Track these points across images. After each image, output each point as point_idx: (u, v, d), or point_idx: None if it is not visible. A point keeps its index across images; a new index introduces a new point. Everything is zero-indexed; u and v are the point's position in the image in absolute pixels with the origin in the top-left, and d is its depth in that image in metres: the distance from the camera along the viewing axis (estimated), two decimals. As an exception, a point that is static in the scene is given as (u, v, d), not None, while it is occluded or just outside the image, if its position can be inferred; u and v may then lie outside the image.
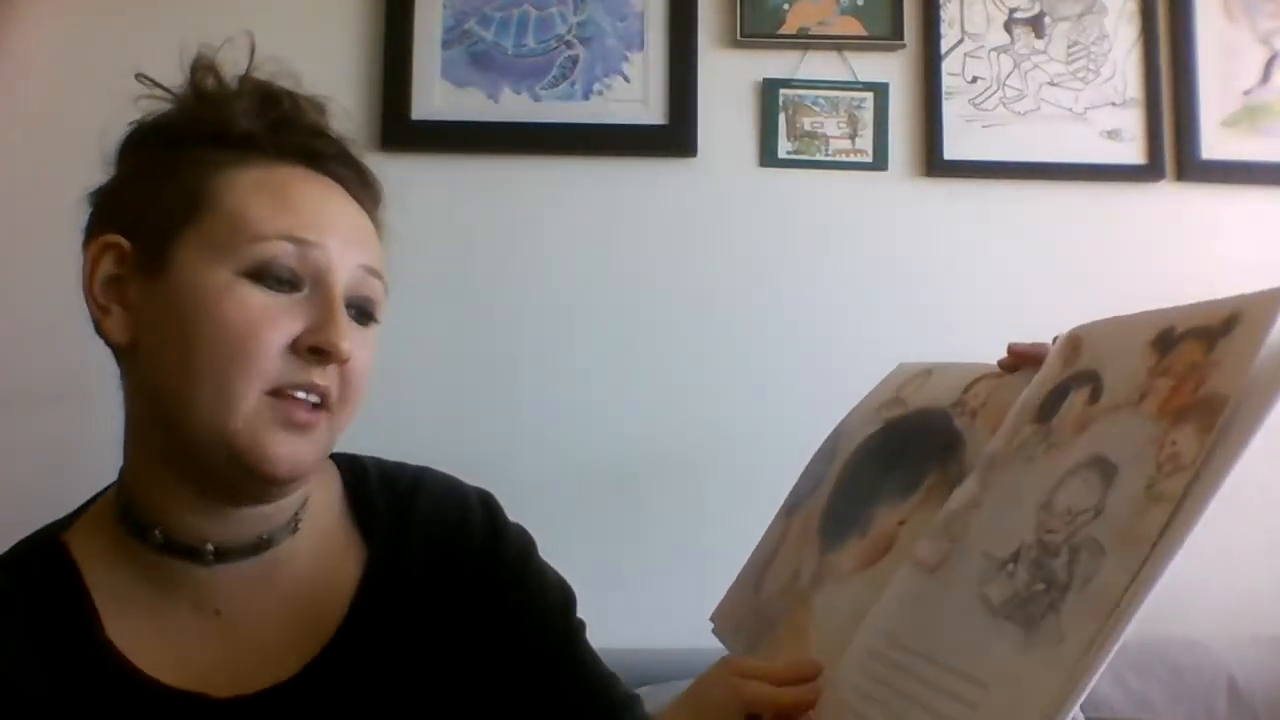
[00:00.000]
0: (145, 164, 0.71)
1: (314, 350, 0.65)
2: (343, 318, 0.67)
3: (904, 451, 0.71)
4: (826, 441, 0.83)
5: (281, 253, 0.65)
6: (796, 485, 0.84)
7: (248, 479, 0.65)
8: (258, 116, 0.70)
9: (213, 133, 0.70)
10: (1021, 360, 0.66)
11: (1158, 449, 0.47)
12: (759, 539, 0.84)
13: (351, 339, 0.67)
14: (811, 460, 0.84)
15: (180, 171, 0.68)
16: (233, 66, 0.73)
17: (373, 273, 0.71)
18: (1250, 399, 0.44)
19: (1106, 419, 0.53)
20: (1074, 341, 0.62)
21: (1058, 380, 0.60)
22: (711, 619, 0.83)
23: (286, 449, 0.65)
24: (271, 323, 0.64)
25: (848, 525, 0.70)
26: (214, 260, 0.65)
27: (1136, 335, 0.55)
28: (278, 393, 0.65)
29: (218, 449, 0.64)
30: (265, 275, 0.65)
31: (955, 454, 0.64)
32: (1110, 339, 0.59)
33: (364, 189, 0.75)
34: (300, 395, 0.65)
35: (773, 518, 0.84)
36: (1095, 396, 0.55)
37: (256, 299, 0.64)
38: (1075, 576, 0.47)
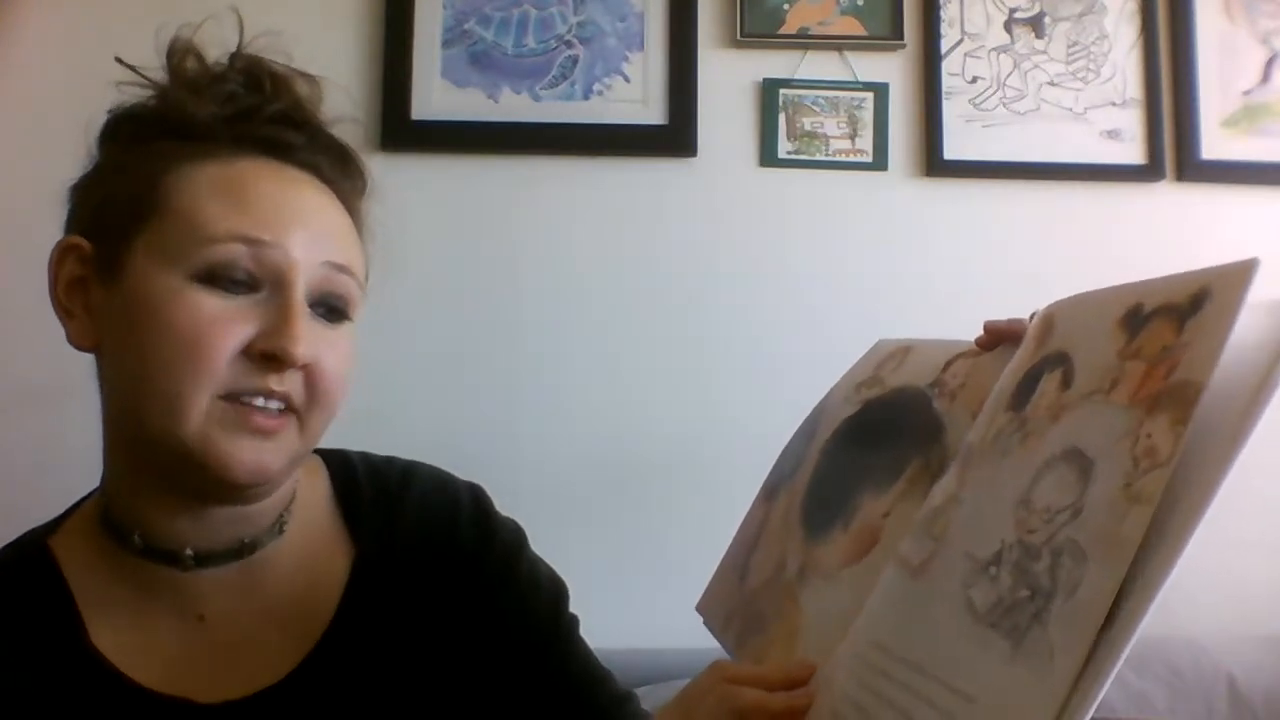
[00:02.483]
0: (108, 159, 0.68)
1: (266, 355, 0.62)
2: (299, 321, 0.63)
3: (884, 434, 0.69)
4: (808, 418, 0.81)
5: (234, 255, 0.62)
6: (777, 464, 0.82)
7: (207, 483, 0.63)
8: (222, 105, 0.66)
9: (172, 125, 0.66)
10: (998, 338, 0.64)
11: (1133, 442, 0.44)
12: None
13: (317, 340, 0.64)
14: (793, 437, 0.82)
15: (133, 168, 0.65)
16: (223, 47, 0.69)
17: (341, 269, 0.67)
18: (1238, 391, 0.41)
19: (1079, 407, 0.50)
20: (1047, 320, 0.58)
21: (1032, 363, 0.57)
22: (698, 609, 0.82)
23: (248, 455, 0.62)
24: (222, 328, 0.61)
25: (831, 514, 0.68)
26: (166, 264, 0.62)
27: (1105, 313, 0.52)
28: (233, 398, 0.62)
29: (172, 455, 0.62)
30: (218, 278, 0.62)
31: (936, 441, 0.62)
32: (1080, 317, 0.55)
33: (343, 177, 0.71)
34: (259, 403, 0.62)
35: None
36: (1067, 381, 0.52)
37: (208, 304, 0.61)
38: (1059, 583, 0.44)
